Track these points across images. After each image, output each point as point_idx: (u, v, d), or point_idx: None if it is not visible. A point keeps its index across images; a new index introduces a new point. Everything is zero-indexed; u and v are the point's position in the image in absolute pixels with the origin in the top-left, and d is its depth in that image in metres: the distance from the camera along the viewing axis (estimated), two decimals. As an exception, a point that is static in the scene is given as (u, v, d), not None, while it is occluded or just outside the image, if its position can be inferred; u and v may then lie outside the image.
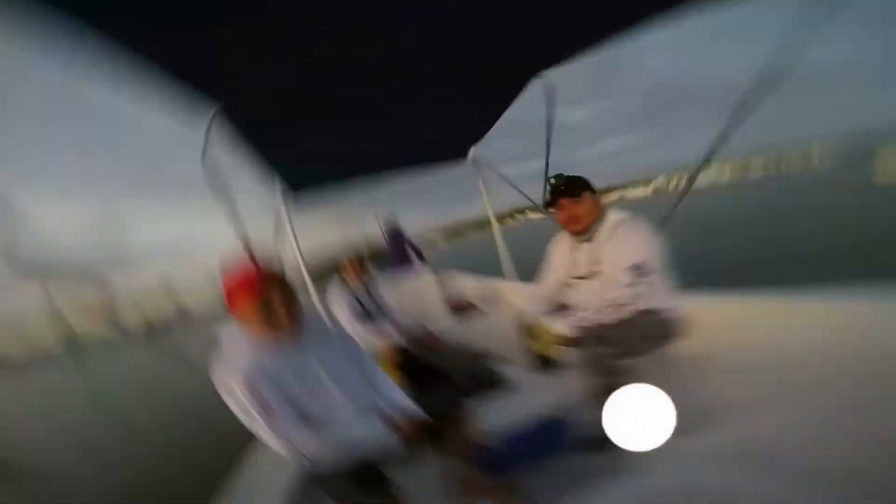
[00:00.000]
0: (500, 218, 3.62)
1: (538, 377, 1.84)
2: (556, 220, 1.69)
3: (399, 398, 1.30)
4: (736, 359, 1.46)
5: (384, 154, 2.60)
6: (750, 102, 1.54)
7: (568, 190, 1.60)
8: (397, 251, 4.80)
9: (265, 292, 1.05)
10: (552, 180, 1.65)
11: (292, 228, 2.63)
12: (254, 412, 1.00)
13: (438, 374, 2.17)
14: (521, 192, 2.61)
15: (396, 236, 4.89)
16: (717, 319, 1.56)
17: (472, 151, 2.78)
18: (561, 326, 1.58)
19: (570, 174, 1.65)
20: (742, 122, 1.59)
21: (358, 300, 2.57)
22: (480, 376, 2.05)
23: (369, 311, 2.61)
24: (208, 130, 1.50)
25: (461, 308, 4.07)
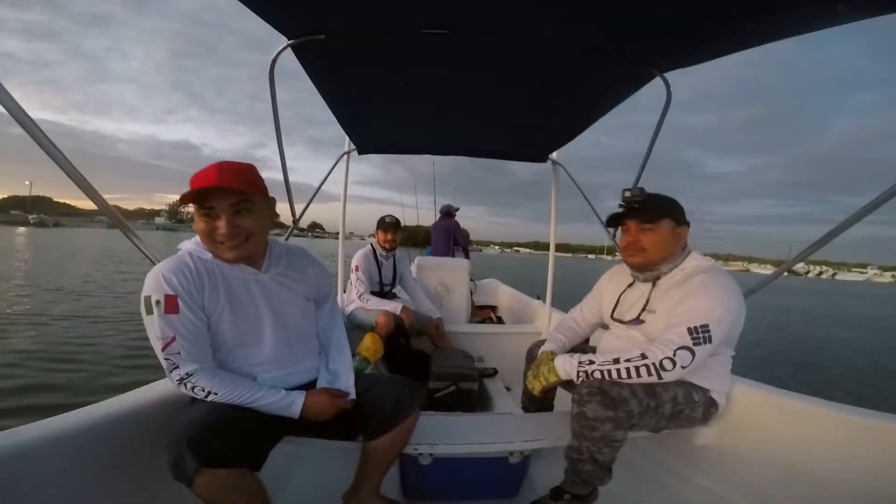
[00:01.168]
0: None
1: (515, 418, 1.61)
2: (620, 243, 1.34)
3: (342, 367, 1.18)
4: (761, 458, 1.23)
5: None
6: None
7: (641, 210, 1.23)
8: (444, 238, 4.67)
9: (212, 198, 0.94)
10: (626, 193, 1.27)
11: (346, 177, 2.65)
12: (153, 301, 0.90)
13: (416, 364, 2.09)
14: (589, 203, 2.33)
15: (447, 224, 4.76)
16: (759, 413, 1.29)
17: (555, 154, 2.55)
18: (565, 367, 1.22)
19: (656, 193, 1.26)
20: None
21: (377, 264, 2.55)
22: (456, 379, 1.93)
23: (384, 280, 2.58)
24: None
25: (485, 314, 3.95)
